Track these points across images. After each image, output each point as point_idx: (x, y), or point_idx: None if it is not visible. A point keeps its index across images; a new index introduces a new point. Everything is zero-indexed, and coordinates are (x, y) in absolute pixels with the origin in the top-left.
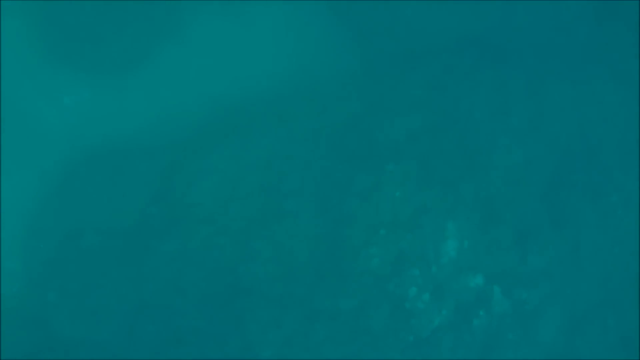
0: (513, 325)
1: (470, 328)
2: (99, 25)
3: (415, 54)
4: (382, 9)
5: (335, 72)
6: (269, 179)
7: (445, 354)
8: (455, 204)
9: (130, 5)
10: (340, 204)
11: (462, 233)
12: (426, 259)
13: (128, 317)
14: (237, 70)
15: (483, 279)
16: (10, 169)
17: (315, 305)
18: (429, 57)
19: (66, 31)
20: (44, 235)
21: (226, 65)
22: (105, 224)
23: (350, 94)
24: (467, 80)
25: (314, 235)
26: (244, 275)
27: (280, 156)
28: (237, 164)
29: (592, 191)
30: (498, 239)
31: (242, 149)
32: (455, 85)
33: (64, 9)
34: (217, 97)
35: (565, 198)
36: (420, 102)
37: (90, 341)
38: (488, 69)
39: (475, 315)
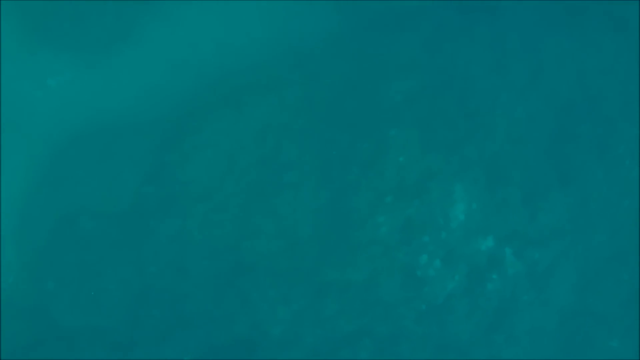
0: (527, 286)
1: (484, 292)
2: (78, 2)
3: (405, 13)
4: None
5: (324, 36)
6: (265, 151)
7: (460, 320)
8: (460, 166)
9: None
10: (342, 173)
11: (470, 195)
12: (435, 225)
13: (131, 302)
14: (223, 41)
15: (494, 241)
16: None
17: (324, 278)
18: (419, 15)
19: (44, 10)
20: (36, 222)
21: (211, 37)
22: (99, 208)
23: (342, 58)
24: (461, 37)
25: (317, 206)
26: (247, 252)
27: (275, 126)
28: (231, 137)
29: (598, 143)
30: (506, 199)
31: (235, 122)
32: (449, 43)
33: None
34: (205, 70)
35: (570, 152)
36: (415, 63)
37: (93, 328)
38: (482, 24)
39: (488, 279)
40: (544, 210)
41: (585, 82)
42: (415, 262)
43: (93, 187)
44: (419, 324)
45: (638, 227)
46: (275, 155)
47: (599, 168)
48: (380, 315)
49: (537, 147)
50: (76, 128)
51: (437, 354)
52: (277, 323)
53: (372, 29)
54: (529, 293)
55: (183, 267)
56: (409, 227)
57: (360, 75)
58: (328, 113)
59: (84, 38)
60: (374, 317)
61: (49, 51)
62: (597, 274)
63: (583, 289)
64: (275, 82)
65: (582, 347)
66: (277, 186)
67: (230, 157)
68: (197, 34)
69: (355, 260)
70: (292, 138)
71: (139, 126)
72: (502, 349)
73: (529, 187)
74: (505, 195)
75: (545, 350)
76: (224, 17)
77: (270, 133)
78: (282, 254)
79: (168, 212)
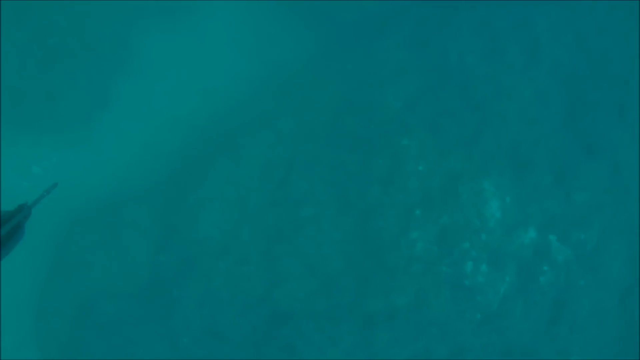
0: (580, 270)
1: (538, 287)
2: (48, 81)
3: (380, 18)
4: None
5: (306, 59)
6: (274, 189)
7: (518, 321)
8: (483, 161)
9: (76, 52)
10: (361, 195)
11: (501, 189)
12: (472, 228)
13: None
14: (204, 88)
15: (535, 231)
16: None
17: (368, 310)
18: (395, 18)
19: (15, 97)
20: (54, 317)
21: (192, 85)
22: (117, 288)
23: (329, 78)
24: (445, 29)
25: (342, 236)
26: (280, 299)
27: (278, 162)
28: (235, 183)
29: (615, 105)
30: (537, 185)
31: (236, 167)
32: (435, 38)
33: (8, 74)
34: (193, 120)
35: (589, 122)
36: (406, 66)
37: None
38: (464, 11)
39: (539, 272)
40: (577, 187)
41: (585, 46)
42: (461, 271)
43: (106, 268)
44: (478, 336)
45: None
46: (286, 192)
47: (622, 130)
48: (436, 335)
49: (554, 124)
50: (73, 211)
51: None
52: None
53: (352, 42)
54: (584, 277)
55: (217, 330)
56: (445, 236)
57: (352, 90)
58: (330, 136)
59: (61, 116)
60: (430, 338)
61: (28, 138)
62: None
63: (635, 259)
64: (268, 117)
65: None
66: (295, 223)
67: (240, 204)
68: (177, 86)
69: (397, 284)
70: (299, 170)
71: (138, 195)
72: (568, 340)
73: (556, 167)
74: (536, 181)
75: (611, 331)
76: (201, 63)
77: (274, 170)
78: (318, 293)
79: (189, 276)
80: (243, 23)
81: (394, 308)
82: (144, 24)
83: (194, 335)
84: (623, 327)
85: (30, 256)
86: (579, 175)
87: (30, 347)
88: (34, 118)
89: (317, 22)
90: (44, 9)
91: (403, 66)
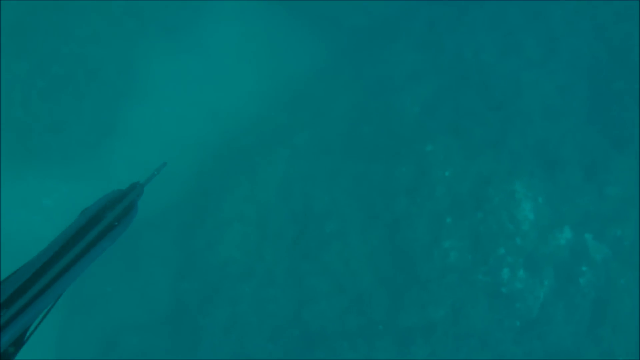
0: (619, 268)
1: (578, 288)
2: (53, 111)
3: (390, 21)
4: None
5: (316, 71)
6: (295, 206)
7: (560, 326)
8: (511, 162)
9: (80, 79)
10: (387, 206)
11: (532, 190)
12: (506, 233)
13: None
14: (214, 107)
15: (571, 230)
16: None
17: (403, 325)
18: (405, 20)
19: (21, 130)
20: (76, 353)
21: (201, 105)
22: (139, 319)
23: (342, 87)
24: (459, 26)
25: (370, 250)
26: (310, 320)
27: (296, 178)
28: (254, 203)
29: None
30: (569, 182)
31: (253, 186)
32: (449, 36)
33: (12, 107)
34: (205, 142)
35: (615, 112)
36: (420, 69)
37: None
38: (477, 7)
39: (578, 273)
40: (609, 181)
41: (604, 34)
42: (498, 279)
43: (127, 299)
44: (519, 344)
45: None
46: (307, 208)
47: None
48: (475, 347)
49: (579, 118)
50: None
51: None
52: None
53: (362, 47)
54: (624, 275)
55: (246, 357)
56: (479, 244)
57: (367, 98)
58: (348, 148)
59: (69, 146)
60: (469, 350)
61: (36, 171)
62: None
63: None
64: (281, 132)
65: None
66: (320, 240)
67: (260, 224)
68: (186, 107)
69: (432, 296)
70: (319, 184)
71: (154, 221)
72: (611, 341)
73: (586, 162)
74: (567, 179)
75: None
76: (209, 81)
77: (293, 186)
78: (349, 311)
79: (213, 302)
80: (248, 38)
81: (430, 322)
82: (147, 45)
83: None
84: None
85: None
86: (610, 169)
87: None
88: (41, 150)
89: (325, 31)
90: (44, 38)
91: (417, 69)
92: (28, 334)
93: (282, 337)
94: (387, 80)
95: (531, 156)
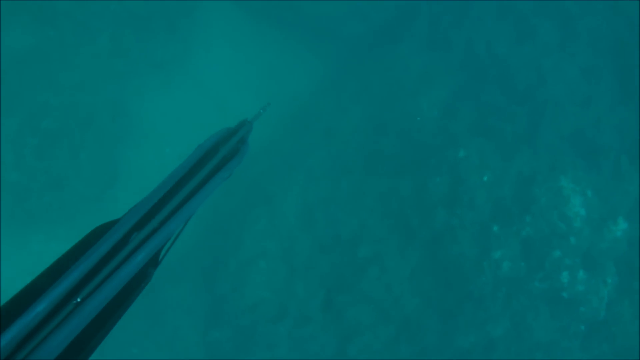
0: None
1: None
2: (50, 168)
3: (390, 22)
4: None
5: (322, 86)
6: (321, 234)
7: (628, 324)
8: (551, 156)
9: (73, 130)
10: (425, 222)
11: (580, 183)
12: (559, 233)
13: None
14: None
15: (625, 220)
16: None
17: (461, 346)
18: (406, 18)
19: (18, 191)
20: None
21: (203, 139)
22: None
23: (352, 100)
24: (465, 20)
25: (411, 272)
26: (357, 355)
27: (318, 203)
28: (276, 235)
29: None
30: (616, 170)
31: (272, 218)
32: (456, 32)
33: (6, 170)
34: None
35: None
36: (431, 68)
37: None
38: None
39: None
40: None
41: (621, 8)
42: (557, 284)
43: (155, 358)
44: (587, 350)
45: None
46: (335, 235)
47: None
48: None
49: (610, 99)
50: None
51: None
52: None
53: (366, 56)
54: None
55: None
56: (531, 249)
57: (379, 108)
58: (369, 164)
59: (71, 202)
60: None
61: (39, 234)
62: None
63: None
64: (293, 156)
65: None
66: (354, 268)
67: (286, 259)
68: (188, 143)
69: (488, 313)
70: (343, 208)
71: (171, 271)
72: None
73: (627, 144)
74: (611, 166)
75: None
76: (207, 113)
77: (315, 213)
78: (399, 340)
79: (248, 350)
80: (242, 62)
81: (489, 340)
82: (138, 84)
83: None
84: None
85: None
86: None
87: None
88: (42, 212)
89: (322, 43)
90: (30, 91)
91: (428, 71)
92: (162, 255)
93: None
94: (397, 87)
95: (570, 147)
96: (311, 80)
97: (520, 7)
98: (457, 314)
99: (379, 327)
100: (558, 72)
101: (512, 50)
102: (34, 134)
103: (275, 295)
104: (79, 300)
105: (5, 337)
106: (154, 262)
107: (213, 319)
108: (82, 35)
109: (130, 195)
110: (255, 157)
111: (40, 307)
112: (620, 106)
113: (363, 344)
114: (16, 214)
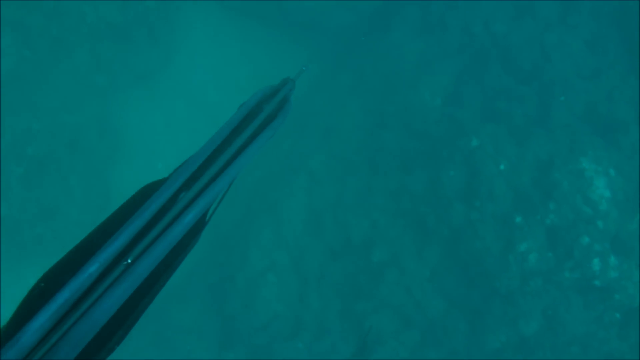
0: None
1: None
2: (40, 197)
3: (380, 9)
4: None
5: (316, 82)
6: (331, 240)
7: None
8: (568, 137)
9: (61, 155)
10: (442, 218)
11: (601, 163)
12: (585, 218)
13: None
14: None
15: None
16: None
17: (491, 347)
18: (395, 3)
19: (9, 225)
20: None
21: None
22: None
23: (349, 94)
24: (458, 1)
25: (431, 272)
26: None
27: (325, 207)
28: (284, 245)
29: None
30: (634, 144)
31: (278, 226)
32: (451, 13)
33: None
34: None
35: None
36: (428, 54)
37: None
38: None
39: None
40: None
41: None
42: (588, 272)
43: None
44: (624, 339)
45: None
46: (346, 239)
47: None
48: (578, 354)
49: (619, 70)
50: None
51: None
52: None
53: (357, 47)
54: None
55: None
56: (558, 237)
57: (378, 101)
58: (374, 161)
59: (65, 231)
60: (572, 358)
61: (34, 267)
62: None
63: None
64: (293, 159)
65: None
66: (370, 273)
67: (297, 269)
68: (181, 157)
69: (518, 308)
70: (352, 210)
71: (177, 292)
72: None
73: None
74: (631, 141)
75: None
76: (198, 123)
77: (323, 218)
78: (425, 345)
79: None
80: (228, 65)
81: (521, 337)
82: (122, 99)
83: None
84: None
85: None
86: None
87: None
88: (35, 244)
89: (310, 37)
90: (11, 117)
91: (425, 57)
92: (209, 216)
93: None
94: (394, 77)
95: (585, 125)
96: (303, 77)
97: None
98: (485, 313)
99: (402, 333)
100: (562, 46)
101: (512, 28)
102: (19, 163)
103: (289, 309)
104: (129, 261)
105: (62, 296)
106: (201, 222)
107: (226, 340)
108: (59, 52)
109: None
110: (254, 164)
111: (93, 268)
112: (631, 76)
113: (387, 352)
114: (8, 248)
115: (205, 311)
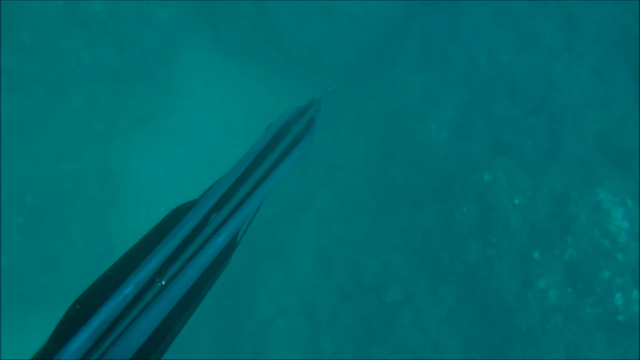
0: None
1: None
2: (41, 247)
3: (379, 44)
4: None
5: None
6: (342, 281)
7: None
8: (581, 167)
9: (59, 204)
10: (457, 256)
11: (617, 194)
12: (604, 251)
13: None
14: None
15: None
16: None
17: None
18: (396, 38)
19: (10, 277)
20: None
21: (197, 194)
22: None
23: (352, 130)
24: (460, 31)
25: (449, 312)
26: None
27: (333, 248)
28: (293, 289)
29: None
30: None
31: (286, 270)
32: (453, 44)
33: None
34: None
35: None
36: (432, 86)
37: None
38: (472, 6)
39: None
40: None
41: None
42: (611, 307)
43: None
44: None
45: None
46: (357, 280)
47: None
48: None
49: (629, 98)
50: None
51: None
52: None
53: (358, 83)
54: None
55: None
56: (577, 272)
57: (383, 138)
58: (383, 199)
59: (68, 281)
60: None
61: (37, 320)
62: None
63: None
64: (297, 199)
65: None
66: (384, 314)
67: (308, 313)
68: (182, 201)
69: (540, 348)
70: (362, 250)
71: (183, 341)
72: None
73: None
74: None
75: None
76: (199, 166)
77: (332, 259)
78: None
79: None
80: (228, 105)
81: None
82: (122, 144)
83: None
84: None
85: None
86: None
87: None
88: (37, 295)
89: (310, 75)
90: (8, 166)
91: (429, 90)
92: (239, 237)
93: None
94: (399, 112)
95: (599, 155)
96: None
97: (516, 11)
98: (505, 353)
99: None
100: (569, 75)
101: (517, 57)
102: (18, 212)
103: (301, 355)
104: (163, 282)
105: (99, 318)
106: (232, 244)
107: None
108: (56, 98)
109: None
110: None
111: (128, 289)
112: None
113: None
114: (10, 301)
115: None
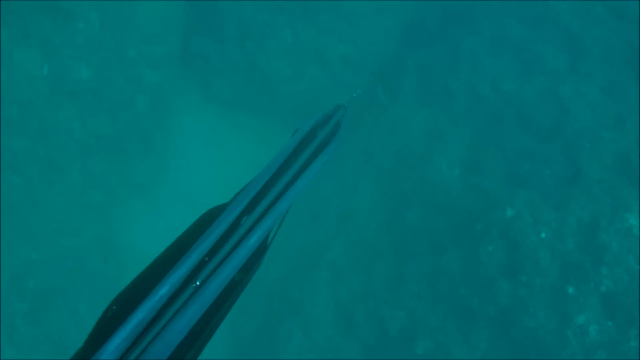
0: None
1: None
2: (49, 332)
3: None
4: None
5: (323, 171)
6: (367, 336)
7: None
8: (606, 193)
9: (63, 284)
10: (487, 299)
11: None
12: (619, 261)
13: None
14: None
15: None
16: None
17: None
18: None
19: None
20: None
21: None
22: None
23: (360, 174)
24: (459, 61)
25: (483, 356)
26: None
27: (354, 301)
28: (316, 349)
29: None
30: None
31: (307, 328)
32: (453, 76)
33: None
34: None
35: None
36: (436, 121)
37: None
38: (469, 36)
39: None
40: None
41: (626, 14)
42: None
43: None
44: None
45: None
46: (383, 333)
47: None
48: None
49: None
50: None
51: None
52: None
53: (360, 125)
54: None
55: None
56: (616, 304)
57: (392, 179)
58: (399, 245)
59: (71, 346)
60: None
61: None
62: None
63: None
64: (309, 253)
65: None
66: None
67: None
68: None
69: None
70: (385, 301)
71: None
72: None
73: None
74: None
75: None
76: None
77: (354, 314)
78: None
79: None
80: (227, 163)
81: None
82: (122, 213)
83: None
84: None
85: None
86: None
87: None
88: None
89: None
90: (7, 250)
91: (434, 127)
92: (270, 239)
93: None
94: (405, 151)
95: (621, 177)
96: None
97: (514, 37)
98: None
99: None
100: (578, 96)
101: (522, 84)
102: (22, 299)
103: None
104: (198, 283)
105: (136, 317)
106: (263, 245)
107: None
108: (50, 174)
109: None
110: (267, 264)
111: (164, 290)
112: None
113: None
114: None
115: None
